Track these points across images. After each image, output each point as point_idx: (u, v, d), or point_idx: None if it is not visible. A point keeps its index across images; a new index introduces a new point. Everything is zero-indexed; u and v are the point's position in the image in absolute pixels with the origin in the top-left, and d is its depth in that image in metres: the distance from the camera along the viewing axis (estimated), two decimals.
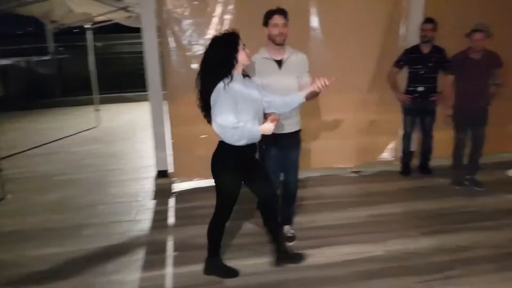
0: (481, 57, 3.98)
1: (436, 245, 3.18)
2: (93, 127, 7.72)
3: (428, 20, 4.30)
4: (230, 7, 4.18)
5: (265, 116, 2.75)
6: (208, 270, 2.93)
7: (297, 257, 3.04)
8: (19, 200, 4.33)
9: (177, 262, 3.12)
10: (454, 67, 4.15)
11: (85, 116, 8.47)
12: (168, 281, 2.89)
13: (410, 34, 4.60)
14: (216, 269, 2.92)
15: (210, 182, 4.46)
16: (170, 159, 4.55)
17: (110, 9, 6.30)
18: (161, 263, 3.10)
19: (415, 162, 4.86)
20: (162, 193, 4.44)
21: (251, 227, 3.59)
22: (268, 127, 2.55)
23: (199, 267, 2.94)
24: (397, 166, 4.84)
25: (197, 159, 4.43)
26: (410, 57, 4.42)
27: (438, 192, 4.23)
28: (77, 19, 7.05)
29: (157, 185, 4.57)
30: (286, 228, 3.37)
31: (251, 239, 3.37)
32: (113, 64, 11.32)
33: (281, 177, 3.26)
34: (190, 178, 4.58)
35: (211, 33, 4.20)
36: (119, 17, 7.16)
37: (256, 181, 2.81)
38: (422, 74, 4.37)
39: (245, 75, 2.73)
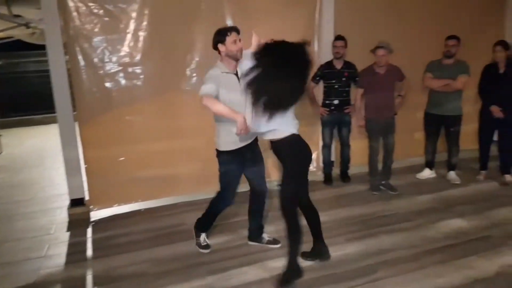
0: (385, 71, 4.31)
1: (361, 250, 3.30)
2: None
3: (338, 37, 4.56)
4: (144, 23, 4.06)
5: None
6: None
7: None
8: None
9: None
10: (363, 81, 4.46)
11: None
12: None
13: (323, 51, 4.85)
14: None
15: (131, 207, 4.35)
16: (86, 186, 4.25)
17: (9, 26, 5.77)
18: None
19: (336, 171, 5.07)
20: (78, 223, 4.10)
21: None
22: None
23: None
24: (320, 176, 5.01)
25: (115, 184, 4.22)
26: (324, 73, 4.63)
27: (358, 198, 4.44)
28: None
29: (71, 215, 4.21)
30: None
31: None
32: (17, 84, 10.41)
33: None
34: (108, 205, 4.29)
35: (125, 50, 4.04)
36: (21, 33, 6.60)
37: None
38: (336, 88, 4.61)
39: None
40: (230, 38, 2.93)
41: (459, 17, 5.34)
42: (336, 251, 3.29)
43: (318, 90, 4.79)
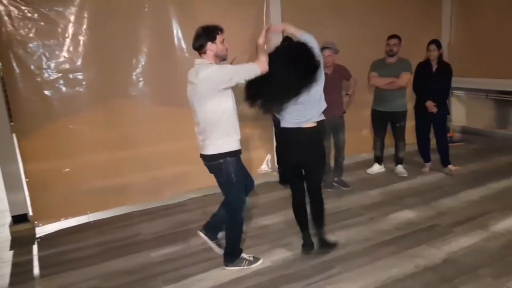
0: (332, 71, 4.39)
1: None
2: None
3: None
4: (84, 27, 3.89)
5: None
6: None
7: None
8: None
9: None
10: None
11: None
12: None
13: None
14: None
15: (79, 220, 4.15)
16: (29, 201, 4.01)
17: None
18: None
19: None
20: (22, 240, 3.86)
21: None
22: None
23: None
24: (276, 177, 5.03)
25: (60, 196, 4.03)
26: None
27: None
28: None
29: (14, 232, 3.95)
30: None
31: None
32: None
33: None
34: (54, 219, 4.07)
35: (64, 55, 3.85)
36: None
37: None
38: None
39: None
40: (220, 37, 2.78)
41: (400, 17, 5.58)
42: (292, 250, 3.32)
43: None
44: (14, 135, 3.90)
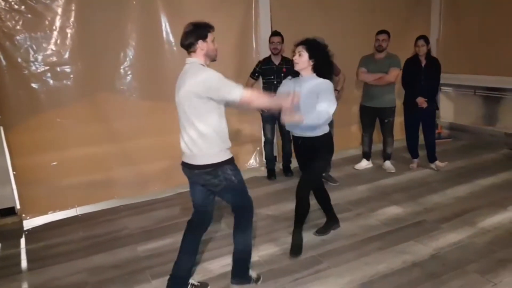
0: None
1: (304, 242, 3.32)
2: None
3: (275, 33, 4.59)
4: (71, 20, 3.85)
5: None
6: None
7: None
8: None
9: None
10: None
11: None
12: None
13: (260, 47, 4.87)
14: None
15: (67, 213, 4.13)
16: (16, 194, 4.00)
17: None
18: None
19: (278, 166, 5.13)
20: (9, 234, 3.84)
21: None
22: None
23: None
24: (264, 172, 5.04)
25: (48, 190, 4.01)
26: (263, 69, 4.65)
27: None
28: None
29: (1, 225, 3.93)
30: None
31: None
32: None
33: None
34: (42, 212, 4.05)
35: (51, 48, 3.81)
36: None
37: None
38: (275, 84, 4.62)
39: None
40: (211, 36, 2.53)
41: (389, 13, 5.59)
42: (279, 245, 3.34)
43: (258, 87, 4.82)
44: (1, 128, 3.86)
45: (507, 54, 5.49)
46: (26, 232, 3.88)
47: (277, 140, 5.07)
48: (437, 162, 4.98)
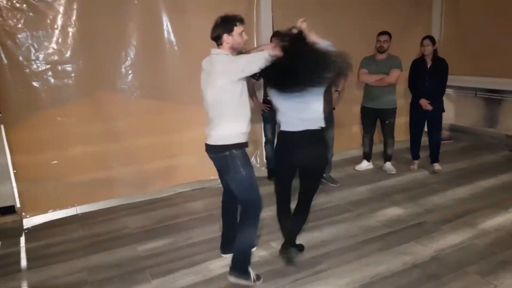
0: None
1: (304, 243, 3.34)
2: None
3: (276, 34, 4.57)
4: (73, 18, 3.84)
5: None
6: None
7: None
8: None
9: None
10: None
11: None
12: None
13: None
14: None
15: (67, 212, 4.13)
16: (16, 192, 3.99)
17: None
18: None
19: None
20: (9, 232, 3.83)
21: None
22: None
23: None
24: (264, 172, 5.04)
25: (48, 188, 4.01)
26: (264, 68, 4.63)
27: None
28: None
29: (1, 224, 3.91)
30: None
31: None
32: None
33: None
34: (42, 211, 4.05)
35: (53, 47, 3.81)
36: None
37: None
38: None
39: None
40: (238, 29, 2.61)
41: (390, 14, 5.59)
42: (279, 245, 3.32)
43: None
44: (2, 126, 3.86)
45: (509, 56, 5.48)
46: (26, 231, 3.88)
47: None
48: (437, 165, 4.97)
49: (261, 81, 4.75)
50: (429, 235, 3.42)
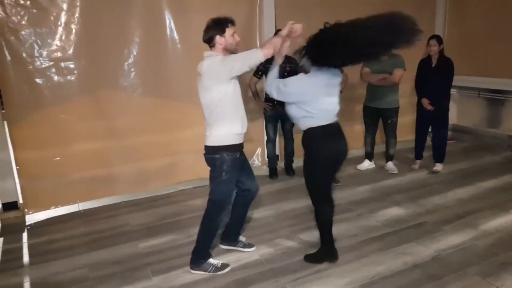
0: None
1: (305, 242, 3.36)
2: None
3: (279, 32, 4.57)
4: (76, 15, 3.85)
5: None
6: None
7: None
8: None
9: None
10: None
11: None
12: None
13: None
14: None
15: (69, 209, 4.15)
16: (19, 188, 4.02)
17: None
18: None
19: (281, 165, 5.13)
20: (12, 228, 3.86)
21: None
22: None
23: None
24: (266, 171, 5.05)
25: (51, 185, 4.04)
26: (266, 67, 4.62)
27: (303, 191, 4.45)
28: None
29: (4, 219, 3.96)
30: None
31: None
32: None
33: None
34: (45, 207, 4.07)
35: (56, 44, 3.82)
36: None
37: None
38: None
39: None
40: (229, 30, 2.69)
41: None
42: (280, 244, 3.35)
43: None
44: (5, 123, 3.88)
45: None
46: (28, 227, 3.91)
47: (279, 139, 5.06)
48: (438, 165, 4.97)
49: (263, 79, 4.75)
50: (429, 236, 3.42)
